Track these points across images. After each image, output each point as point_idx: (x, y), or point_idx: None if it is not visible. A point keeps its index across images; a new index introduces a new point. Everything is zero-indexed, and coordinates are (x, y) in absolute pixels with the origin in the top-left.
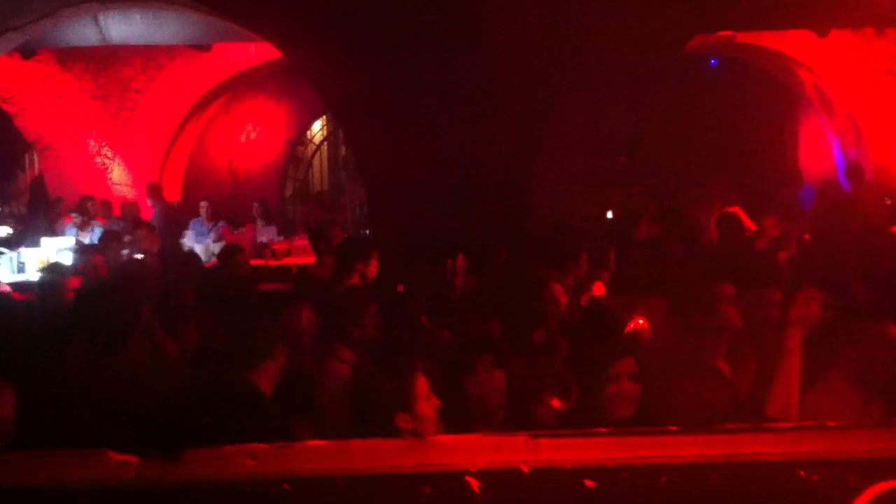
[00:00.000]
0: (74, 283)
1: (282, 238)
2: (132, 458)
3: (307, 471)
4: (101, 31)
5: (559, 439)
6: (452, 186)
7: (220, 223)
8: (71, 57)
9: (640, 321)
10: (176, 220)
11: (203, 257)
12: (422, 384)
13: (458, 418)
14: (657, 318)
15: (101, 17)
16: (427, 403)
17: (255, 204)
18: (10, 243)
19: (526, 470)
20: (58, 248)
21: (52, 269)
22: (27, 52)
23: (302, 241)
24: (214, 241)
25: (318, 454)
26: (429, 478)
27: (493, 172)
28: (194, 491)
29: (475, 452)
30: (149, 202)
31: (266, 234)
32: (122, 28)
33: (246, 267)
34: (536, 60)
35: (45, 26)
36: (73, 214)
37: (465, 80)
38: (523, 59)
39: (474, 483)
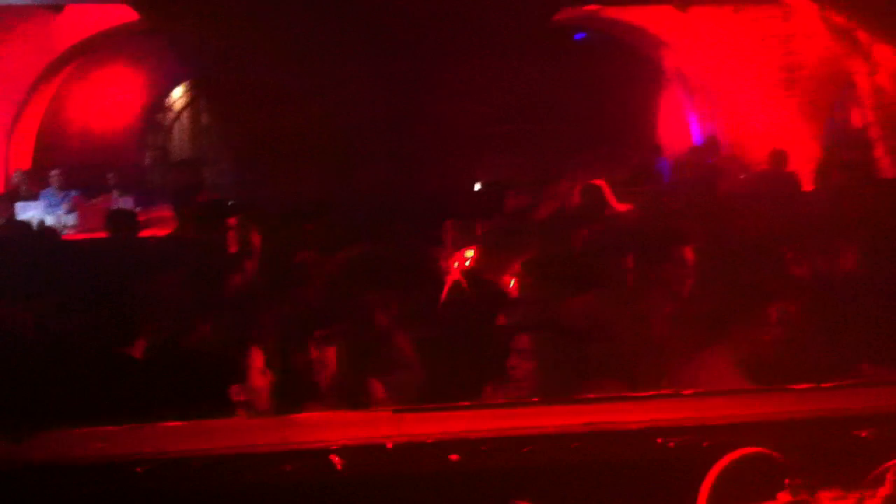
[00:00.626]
0: None
1: (140, 209)
2: None
3: (161, 452)
4: None
5: (422, 413)
6: (317, 150)
7: (73, 193)
8: None
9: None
10: None
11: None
12: (258, 357)
13: None
14: None
15: None
16: (262, 377)
17: (111, 173)
18: None
19: (389, 445)
20: None
21: None
22: None
23: (162, 212)
24: (67, 213)
25: (173, 435)
26: (291, 455)
27: (362, 137)
28: (42, 473)
29: (339, 429)
30: None
31: (123, 205)
32: None
33: None
34: (407, 26)
35: None
36: None
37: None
38: (396, 23)
39: (337, 460)
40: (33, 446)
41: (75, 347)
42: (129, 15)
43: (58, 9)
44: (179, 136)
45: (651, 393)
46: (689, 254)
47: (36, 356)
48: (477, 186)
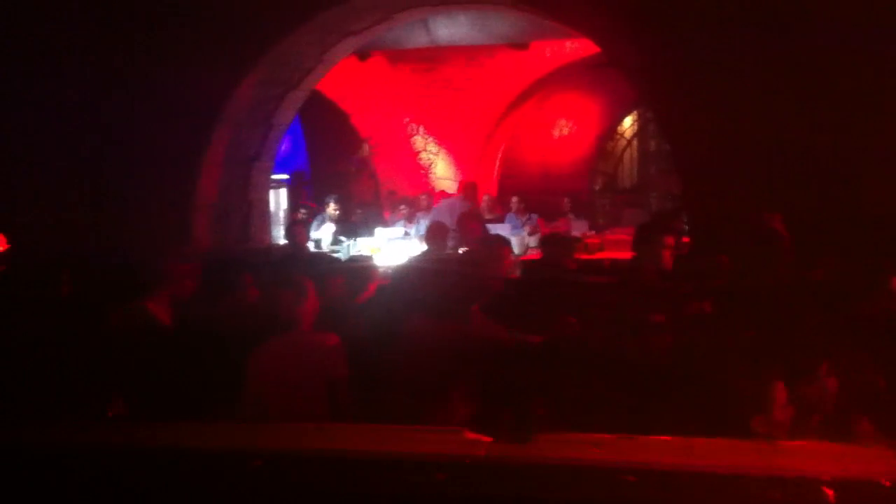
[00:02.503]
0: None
1: (593, 232)
2: (485, 438)
3: (651, 463)
4: (429, 33)
5: None
6: (773, 176)
7: (535, 215)
8: (400, 58)
9: None
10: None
11: (517, 249)
12: (781, 391)
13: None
14: None
15: (430, 20)
16: (783, 411)
17: (566, 199)
18: (351, 233)
19: (887, 483)
20: (388, 238)
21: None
22: (363, 54)
23: (614, 235)
24: (529, 234)
25: (661, 448)
26: (777, 482)
27: (819, 160)
28: (541, 472)
29: (827, 460)
30: (461, 199)
31: (578, 229)
32: (448, 29)
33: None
34: (872, 41)
35: (380, 30)
36: (402, 207)
37: (792, 61)
38: (860, 37)
39: (830, 493)
40: (531, 445)
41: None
42: (588, 49)
43: (523, 46)
44: (629, 164)
45: None
46: None
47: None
48: None
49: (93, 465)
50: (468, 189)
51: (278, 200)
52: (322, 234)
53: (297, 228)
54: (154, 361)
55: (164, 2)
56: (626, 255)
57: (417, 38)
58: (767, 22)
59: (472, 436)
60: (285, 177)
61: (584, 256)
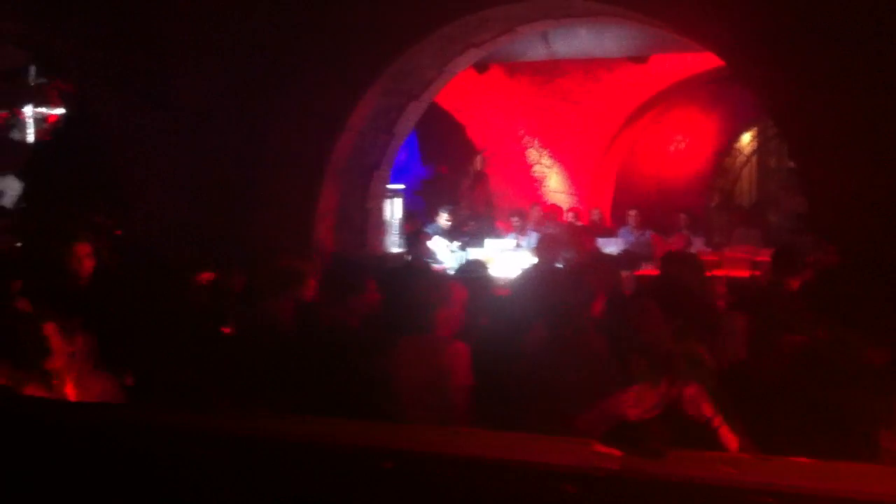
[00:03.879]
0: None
1: (710, 249)
2: (617, 452)
3: (791, 486)
4: (548, 46)
5: None
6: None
7: (649, 231)
8: (518, 70)
9: None
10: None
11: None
12: None
13: None
14: None
15: (549, 33)
16: None
17: (682, 214)
18: (462, 244)
19: None
20: (499, 249)
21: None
22: (481, 66)
23: (732, 253)
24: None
25: (801, 470)
26: None
27: None
28: (674, 490)
29: None
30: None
31: (694, 245)
32: (567, 42)
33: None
34: None
35: (500, 42)
36: (514, 219)
37: None
38: None
39: None
40: (664, 462)
41: None
42: (708, 63)
43: (642, 60)
44: (747, 180)
45: None
46: None
47: None
48: None
49: (243, 455)
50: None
51: (392, 209)
52: (434, 245)
53: (422, 237)
54: (278, 363)
55: (295, 13)
56: (744, 273)
57: (537, 51)
58: None
59: (602, 448)
60: (401, 186)
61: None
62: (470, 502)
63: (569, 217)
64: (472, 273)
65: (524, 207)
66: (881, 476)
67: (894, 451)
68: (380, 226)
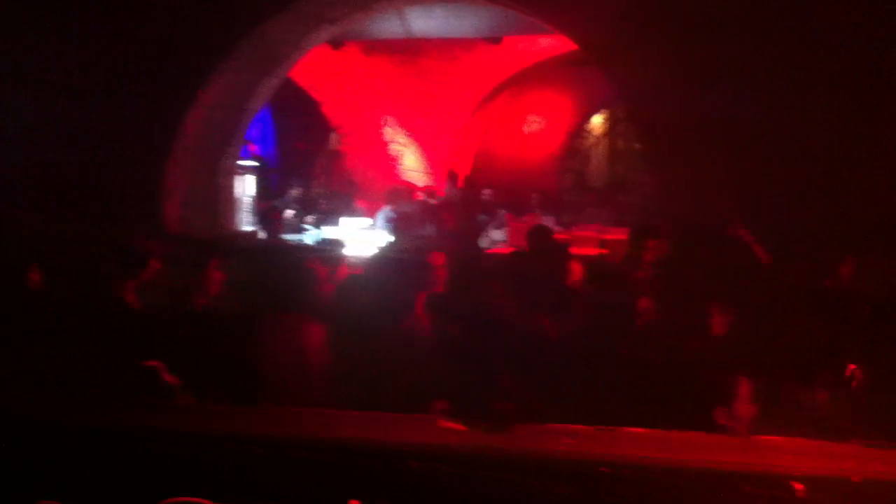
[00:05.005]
0: None
1: (561, 228)
2: (460, 427)
3: (626, 456)
4: (404, 25)
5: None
6: (744, 180)
7: (503, 211)
8: (375, 48)
9: None
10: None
11: (484, 243)
12: (746, 386)
13: None
14: None
15: (406, 11)
16: (748, 406)
17: (534, 194)
18: (316, 221)
19: (856, 479)
20: (354, 228)
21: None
22: (336, 43)
23: (581, 232)
24: (496, 229)
25: (636, 440)
26: (750, 477)
27: (794, 167)
28: (515, 462)
29: (800, 456)
30: (446, 188)
31: (546, 224)
32: (423, 21)
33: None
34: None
35: (355, 19)
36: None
37: (777, 71)
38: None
39: (799, 487)
40: (507, 435)
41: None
42: (561, 46)
43: (496, 41)
44: (598, 162)
45: None
46: None
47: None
48: None
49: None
50: (450, 177)
51: (244, 187)
52: (288, 223)
53: (275, 215)
54: (128, 343)
55: None
56: (592, 251)
57: (392, 29)
58: (749, 27)
59: (446, 424)
60: (254, 163)
61: None
62: (318, 483)
63: (423, 196)
64: (328, 252)
65: (389, 186)
66: (708, 444)
67: (728, 427)
68: (231, 204)
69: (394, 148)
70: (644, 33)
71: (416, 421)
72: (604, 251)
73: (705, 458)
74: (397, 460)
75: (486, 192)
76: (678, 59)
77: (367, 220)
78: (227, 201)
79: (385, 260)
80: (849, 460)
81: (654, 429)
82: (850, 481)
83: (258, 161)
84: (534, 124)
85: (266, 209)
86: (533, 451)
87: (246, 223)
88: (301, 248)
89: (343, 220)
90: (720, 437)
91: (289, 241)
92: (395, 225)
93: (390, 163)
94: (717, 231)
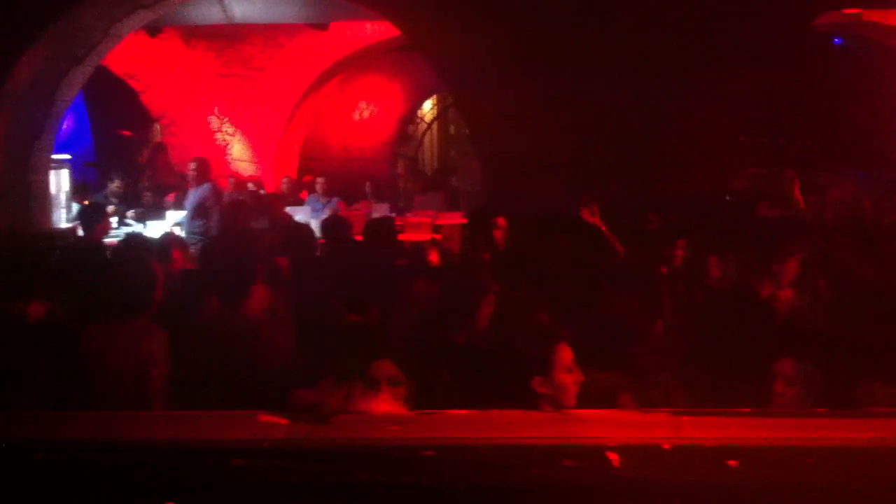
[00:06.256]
0: None
1: (394, 215)
2: (282, 420)
3: (450, 439)
4: (224, 10)
5: (701, 417)
6: (572, 161)
7: (335, 199)
8: (195, 35)
9: None
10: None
11: (318, 233)
12: (566, 354)
13: None
14: None
15: None
16: (567, 374)
17: (368, 181)
18: (141, 216)
19: (667, 447)
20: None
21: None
22: (153, 29)
23: (414, 218)
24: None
25: (460, 423)
26: (569, 450)
27: (615, 147)
28: (342, 453)
29: (616, 427)
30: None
31: (379, 211)
32: (244, 7)
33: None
34: (666, 35)
35: (171, 4)
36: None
37: (591, 55)
38: (655, 33)
39: (615, 458)
40: (330, 426)
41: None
42: (388, 32)
43: (324, 27)
44: (430, 147)
45: None
46: None
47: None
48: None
49: None
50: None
51: (59, 182)
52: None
53: (94, 211)
54: None
55: None
56: (426, 236)
57: (212, 15)
58: (565, 11)
59: (267, 419)
60: (67, 157)
61: None
62: (132, 487)
63: (251, 186)
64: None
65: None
66: (529, 420)
67: (548, 395)
68: (45, 200)
69: (220, 138)
70: (463, 18)
71: (236, 418)
72: (437, 236)
73: (526, 435)
74: (217, 459)
75: (319, 180)
76: (497, 45)
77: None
78: (41, 198)
79: (211, 254)
80: (659, 428)
81: (476, 410)
82: (662, 448)
83: (75, 155)
84: (365, 111)
85: (85, 206)
86: (357, 439)
87: (64, 220)
88: (122, 243)
89: (169, 213)
90: (540, 414)
91: (108, 238)
92: (224, 216)
93: (217, 153)
94: (553, 214)
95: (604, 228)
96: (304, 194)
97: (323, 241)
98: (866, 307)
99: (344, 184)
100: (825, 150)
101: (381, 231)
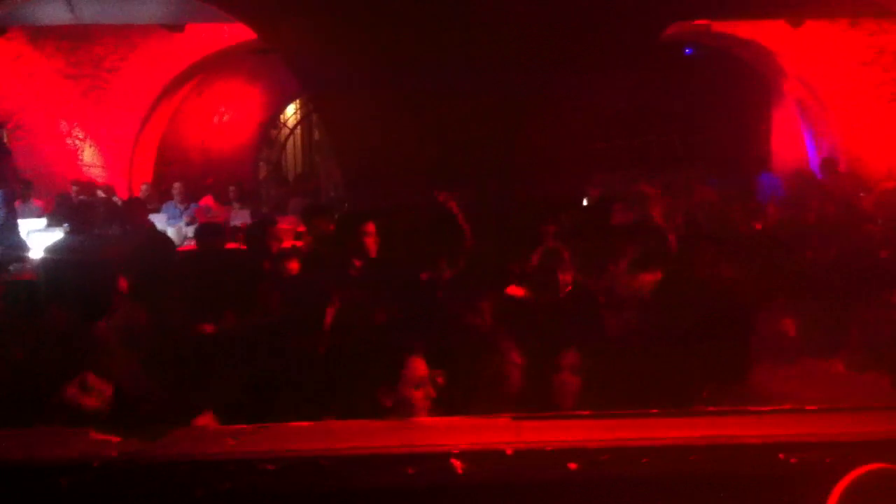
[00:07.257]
0: None
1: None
2: (114, 438)
3: (290, 451)
4: (72, 10)
5: (541, 421)
6: (430, 166)
7: (194, 205)
8: (42, 35)
9: None
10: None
11: (176, 240)
12: (416, 368)
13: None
14: None
15: None
16: (415, 390)
17: (232, 187)
18: None
19: (509, 451)
20: (29, 230)
21: None
22: None
23: (280, 224)
24: (188, 224)
25: (300, 435)
26: (413, 458)
27: (473, 153)
28: (176, 469)
29: (459, 434)
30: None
31: (240, 218)
32: (93, 7)
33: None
34: (522, 43)
35: (16, 3)
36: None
37: (447, 59)
38: (510, 41)
39: (458, 464)
40: (164, 442)
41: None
42: (247, 34)
43: (179, 28)
44: (293, 152)
45: (773, 408)
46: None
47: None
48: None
49: None
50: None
51: None
52: None
53: None
54: None
55: None
56: (289, 243)
57: (59, 15)
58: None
59: (99, 436)
60: None
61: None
62: None
63: (102, 192)
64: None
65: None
66: (373, 430)
67: (390, 409)
68: None
69: (70, 143)
70: (318, 19)
71: (67, 436)
72: (299, 243)
73: (371, 445)
74: (46, 477)
75: (178, 185)
76: (354, 47)
77: (41, 222)
78: None
79: (57, 263)
80: (501, 433)
81: (320, 421)
82: (504, 453)
83: None
84: (224, 115)
85: None
86: (193, 455)
87: None
88: None
89: (20, 221)
90: (384, 423)
91: None
92: (72, 224)
93: (68, 158)
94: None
95: (457, 213)
96: None
97: (196, 247)
98: (713, 308)
99: (204, 189)
100: (683, 154)
101: (257, 235)
